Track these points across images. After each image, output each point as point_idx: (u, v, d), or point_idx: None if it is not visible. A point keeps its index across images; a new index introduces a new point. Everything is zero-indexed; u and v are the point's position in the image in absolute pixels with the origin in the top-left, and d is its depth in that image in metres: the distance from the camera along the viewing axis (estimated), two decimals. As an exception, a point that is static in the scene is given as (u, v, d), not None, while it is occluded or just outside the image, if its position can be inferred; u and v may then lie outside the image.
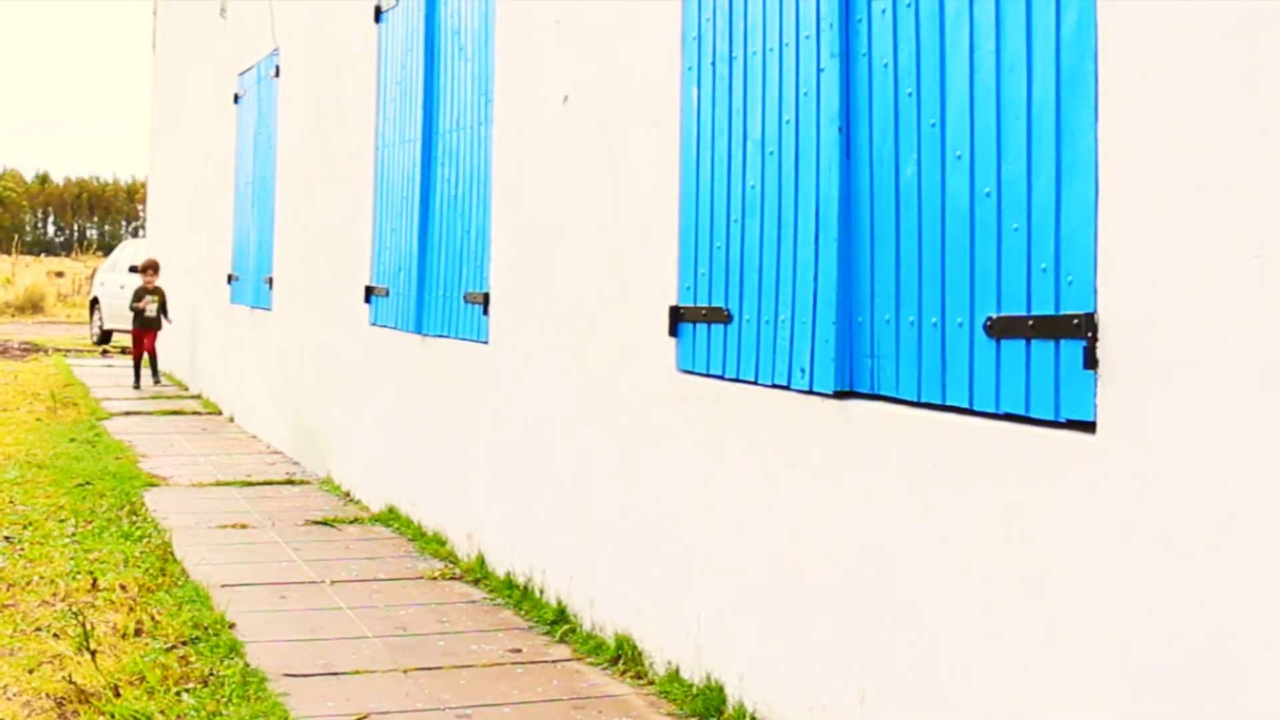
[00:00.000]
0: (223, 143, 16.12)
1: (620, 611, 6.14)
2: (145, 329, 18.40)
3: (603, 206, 6.49)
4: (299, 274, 12.34)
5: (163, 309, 18.37)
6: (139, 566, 7.61)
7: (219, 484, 10.63)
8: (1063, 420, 3.77)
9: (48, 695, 5.44)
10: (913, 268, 4.45)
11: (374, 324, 9.98)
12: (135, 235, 72.36)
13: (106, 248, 79.66)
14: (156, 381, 18.43)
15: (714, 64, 5.59)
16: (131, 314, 18.50)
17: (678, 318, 5.79)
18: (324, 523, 9.12)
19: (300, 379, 12.10)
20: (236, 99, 15.38)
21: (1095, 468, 3.62)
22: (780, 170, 5.15)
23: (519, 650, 6.24)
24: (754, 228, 5.31)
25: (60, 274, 52.34)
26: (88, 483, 10.26)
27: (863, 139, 4.73)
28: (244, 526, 8.88)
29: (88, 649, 5.86)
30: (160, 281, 18.82)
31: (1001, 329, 4.03)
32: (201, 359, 17.26)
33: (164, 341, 20.99)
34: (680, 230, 5.79)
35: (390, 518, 9.21)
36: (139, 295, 18.38)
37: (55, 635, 6.23)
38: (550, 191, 7.07)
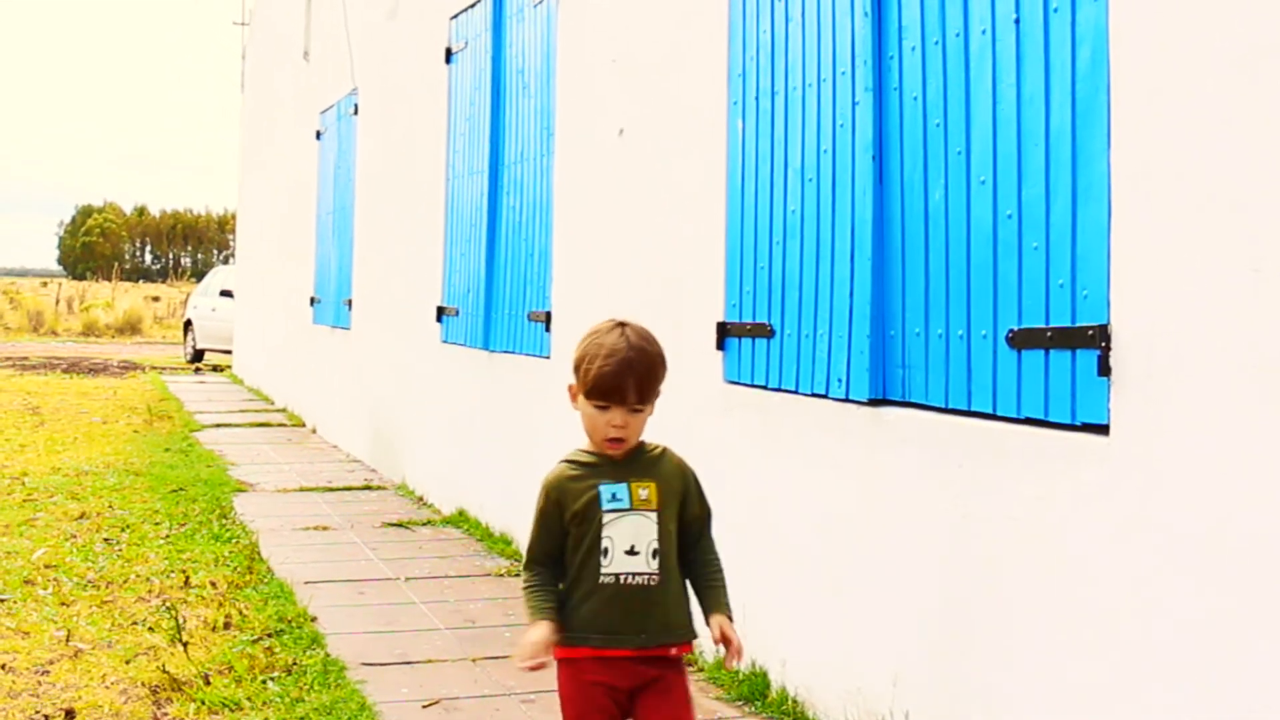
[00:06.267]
0: (306, 175, 16.27)
1: (672, 605, 6.17)
2: None
3: (655, 231, 6.55)
4: (376, 296, 12.44)
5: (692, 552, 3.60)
6: (228, 565, 7.68)
7: (302, 490, 10.70)
8: (1079, 424, 3.80)
9: (143, 683, 5.49)
10: (940, 284, 4.49)
11: (445, 341, 10.06)
12: (225, 262, 73.12)
13: (199, 274, 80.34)
14: None
15: (757, 98, 5.65)
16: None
17: (725, 333, 5.83)
18: (399, 525, 9.19)
19: (377, 393, 12.20)
20: (318, 135, 15.52)
21: (1109, 467, 3.65)
22: (819, 196, 5.20)
23: (578, 641, 6.27)
24: (794, 249, 5.35)
25: (156, 298, 52.85)
26: (181, 489, 10.34)
27: (894, 166, 4.77)
28: (325, 528, 8.97)
29: (180, 641, 5.94)
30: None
31: (1022, 340, 4.06)
32: (286, 375, 17.37)
33: (253, 360, 20.90)
34: (726, 252, 5.84)
35: (460, 520, 9.28)
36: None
37: (150, 628, 6.29)
38: (607, 217, 7.14)
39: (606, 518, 3.38)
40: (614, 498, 3.41)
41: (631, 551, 3.37)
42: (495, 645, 6.15)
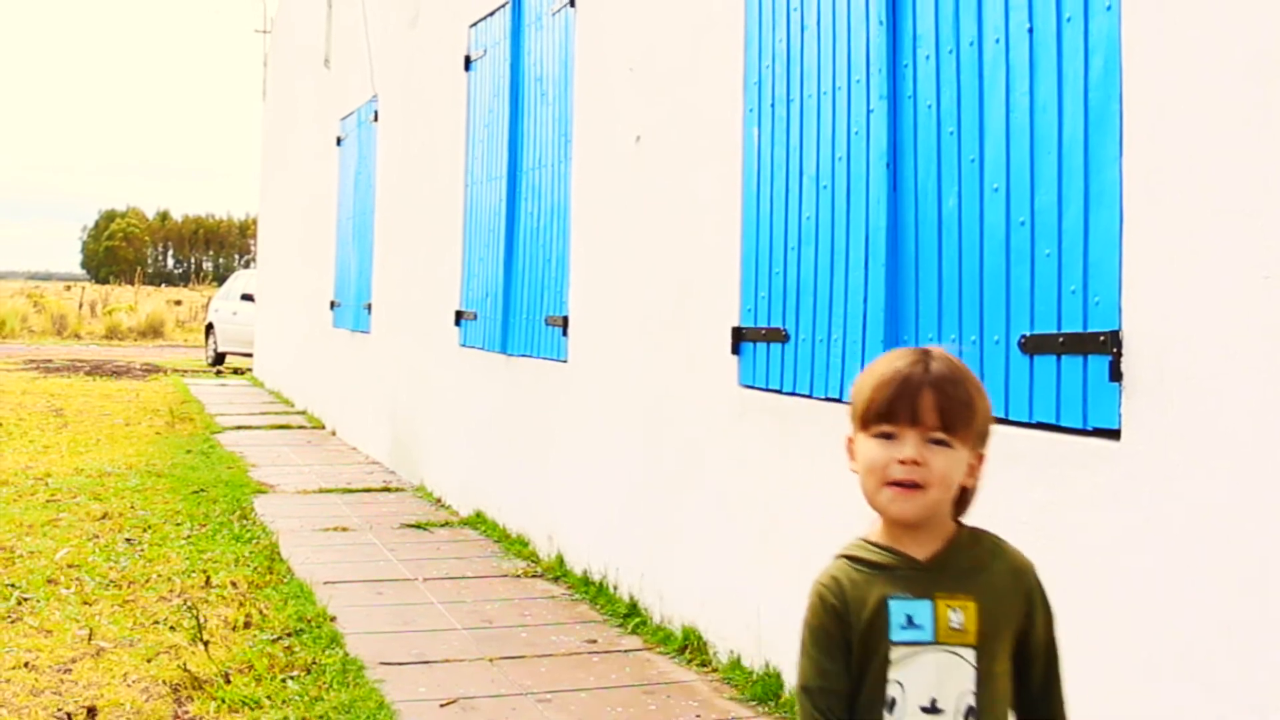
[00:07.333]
0: (326, 181, 16.30)
1: (687, 605, 6.19)
2: None
3: (672, 236, 6.56)
4: (395, 300, 12.47)
5: None
6: (248, 565, 7.71)
7: (322, 491, 10.72)
8: (1090, 428, 3.80)
9: (164, 682, 5.51)
10: (954, 290, 4.49)
11: (463, 345, 10.08)
12: (246, 267, 73.24)
13: (220, 278, 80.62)
14: None
15: (773, 106, 5.66)
16: None
17: (740, 337, 5.84)
18: (417, 526, 9.21)
19: (396, 396, 12.22)
20: (339, 141, 15.56)
21: (1120, 472, 3.65)
22: (833, 203, 5.20)
23: (594, 641, 6.30)
24: (809, 255, 5.36)
25: (179, 302, 53.00)
26: (202, 490, 10.38)
27: (908, 174, 4.78)
28: (344, 529, 8.99)
29: (201, 640, 5.96)
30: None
31: (1034, 346, 4.06)
32: (306, 378, 17.41)
33: (273, 363, 20.97)
34: (742, 258, 5.85)
35: (477, 521, 9.29)
36: None
37: (171, 628, 6.32)
38: (624, 223, 7.15)
39: (896, 653, 2.10)
40: (910, 622, 2.11)
41: (932, 709, 2.09)
42: (512, 645, 6.17)
